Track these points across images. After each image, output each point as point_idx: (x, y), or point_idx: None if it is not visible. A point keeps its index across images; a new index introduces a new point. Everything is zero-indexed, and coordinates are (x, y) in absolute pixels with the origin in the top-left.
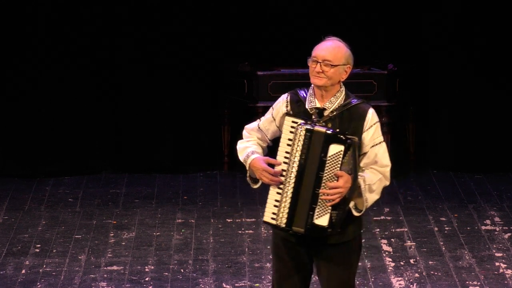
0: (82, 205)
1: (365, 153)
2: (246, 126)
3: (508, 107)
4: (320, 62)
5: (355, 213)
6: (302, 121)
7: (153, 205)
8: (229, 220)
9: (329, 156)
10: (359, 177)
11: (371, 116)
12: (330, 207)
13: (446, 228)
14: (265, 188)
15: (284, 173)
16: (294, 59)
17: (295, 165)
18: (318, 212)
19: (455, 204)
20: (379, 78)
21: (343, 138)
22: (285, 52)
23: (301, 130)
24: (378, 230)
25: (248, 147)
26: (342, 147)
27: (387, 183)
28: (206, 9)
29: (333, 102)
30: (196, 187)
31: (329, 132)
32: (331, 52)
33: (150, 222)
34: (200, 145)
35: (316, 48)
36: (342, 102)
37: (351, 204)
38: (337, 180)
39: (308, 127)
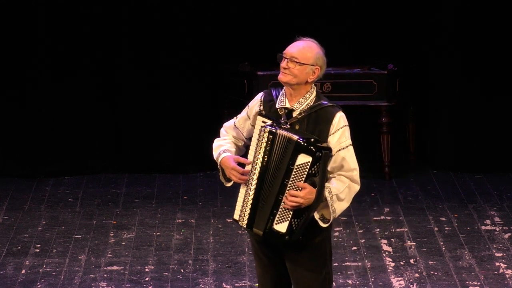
0: (82, 205)
1: (331, 157)
2: (225, 124)
3: (508, 107)
4: (287, 59)
5: (322, 224)
6: (269, 122)
7: (153, 205)
8: (229, 220)
9: (297, 165)
10: (325, 188)
11: (338, 120)
12: (290, 215)
13: (446, 228)
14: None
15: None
16: None
17: (258, 166)
18: (278, 218)
19: (455, 204)
20: (379, 78)
21: (313, 149)
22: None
23: (264, 132)
24: (378, 230)
25: (222, 146)
26: (310, 159)
27: (357, 187)
28: (206, 9)
29: (302, 103)
30: (196, 187)
31: (300, 140)
32: (300, 50)
33: (150, 222)
34: (200, 145)
35: (288, 46)
36: (311, 103)
37: (317, 216)
38: (300, 190)
39: (271, 129)
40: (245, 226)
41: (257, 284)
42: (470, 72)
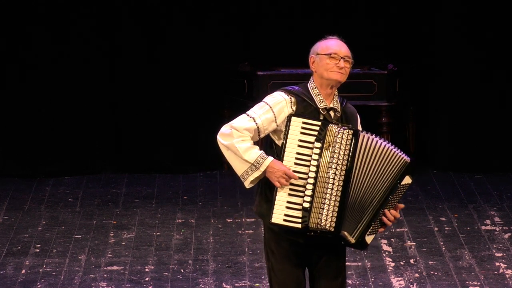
0: (82, 205)
1: None
2: (235, 125)
3: (508, 107)
4: (342, 58)
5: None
6: (335, 124)
7: (153, 205)
8: (229, 220)
9: (401, 185)
10: None
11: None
12: (378, 229)
13: (446, 228)
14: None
15: (302, 176)
16: (294, 59)
17: (343, 168)
18: (371, 229)
19: (455, 204)
20: (379, 78)
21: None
22: (285, 52)
23: (342, 133)
24: None
25: (253, 148)
26: (410, 181)
27: None
28: (206, 9)
29: (337, 101)
30: (196, 187)
31: (412, 163)
32: (347, 49)
33: (150, 222)
34: (200, 145)
35: (329, 45)
36: (339, 101)
37: None
38: (396, 210)
39: (356, 131)
40: (332, 230)
41: (257, 285)
42: (470, 72)
